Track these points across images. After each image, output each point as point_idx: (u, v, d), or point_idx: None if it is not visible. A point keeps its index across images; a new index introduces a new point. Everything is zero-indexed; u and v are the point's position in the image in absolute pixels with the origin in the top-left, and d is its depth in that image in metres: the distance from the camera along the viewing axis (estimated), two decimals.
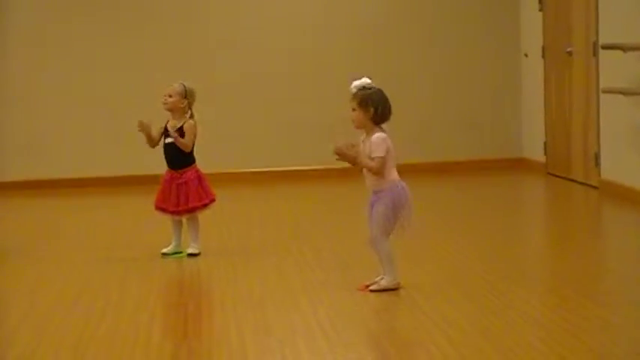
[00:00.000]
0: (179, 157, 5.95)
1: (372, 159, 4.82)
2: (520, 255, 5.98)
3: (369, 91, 4.87)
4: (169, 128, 5.96)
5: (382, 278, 4.92)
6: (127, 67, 9.39)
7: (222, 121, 9.26)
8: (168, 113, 6.01)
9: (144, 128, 5.92)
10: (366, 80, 4.91)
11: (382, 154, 4.81)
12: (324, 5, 9.58)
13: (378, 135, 4.85)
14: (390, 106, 4.88)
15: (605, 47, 7.58)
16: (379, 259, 4.93)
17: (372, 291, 4.88)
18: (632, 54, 7.29)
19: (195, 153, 6.01)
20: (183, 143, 5.91)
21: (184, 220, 6.00)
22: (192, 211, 5.96)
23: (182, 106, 5.95)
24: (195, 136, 5.96)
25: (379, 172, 4.82)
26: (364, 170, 4.89)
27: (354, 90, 4.89)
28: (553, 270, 5.59)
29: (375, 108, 4.84)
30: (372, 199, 4.90)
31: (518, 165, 9.62)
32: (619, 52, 7.38)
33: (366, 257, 5.19)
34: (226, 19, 9.48)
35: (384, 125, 4.89)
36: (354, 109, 4.88)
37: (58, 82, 9.36)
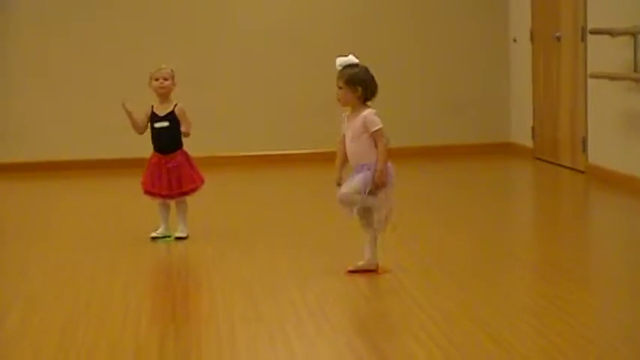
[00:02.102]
0: (170, 142, 5.92)
1: (372, 132, 4.80)
2: (508, 240, 6.00)
3: (356, 69, 4.87)
4: (158, 114, 5.91)
5: (366, 261, 4.92)
6: (110, 48, 9.33)
7: (209, 106, 9.23)
8: (153, 95, 5.94)
9: (127, 107, 5.84)
10: (351, 58, 4.91)
11: (381, 125, 4.82)
12: None
13: (369, 110, 4.86)
14: (376, 83, 4.88)
15: (594, 32, 7.59)
16: (368, 240, 4.90)
17: (370, 270, 4.85)
18: (620, 39, 7.30)
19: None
20: (188, 132, 5.88)
21: (173, 203, 5.99)
22: (185, 194, 5.95)
23: (173, 89, 5.94)
24: None
25: (386, 145, 4.81)
26: (351, 151, 4.87)
27: (340, 67, 4.88)
28: (541, 255, 5.61)
29: (362, 87, 4.84)
30: (355, 172, 4.87)
31: (505, 150, 9.64)
32: (607, 37, 7.39)
33: (355, 242, 5.18)
34: (221, 3, 9.43)
35: (369, 102, 4.89)
36: (340, 87, 4.88)
37: (38, 64, 9.29)
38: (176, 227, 5.97)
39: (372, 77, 4.89)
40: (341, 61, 4.90)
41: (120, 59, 9.31)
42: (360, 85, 4.84)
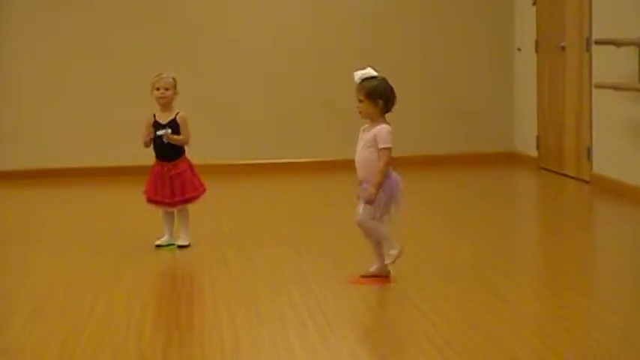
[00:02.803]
0: (173, 150, 5.92)
1: (380, 149, 4.79)
2: (512, 249, 6.00)
3: (375, 82, 4.84)
4: (160, 122, 5.91)
5: (376, 268, 4.93)
6: (114, 55, 9.33)
7: (211, 114, 9.23)
8: (154, 102, 5.94)
9: (150, 135, 5.86)
10: (370, 70, 4.88)
11: (390, 145, 4.80)
12: None
13: (385, 127, 4.84)
14: (395, 95, 4.86)
15: (599, 42, 7.59)
16: (374, 246, 4.92)
17: (379, 279, 4.85)
18: (624, 49, 7.30)
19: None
20: (185, 140, 5.88)
21: (175, 211, 5.98)
22: (187, 201, 5.94)
23: (175, 98, 5.93)
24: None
25: (389, 162, 4.80)
26: (358, 161, 4.88)
27: (359, 81, 4.86)
28: (545, 264, 5.60)
29: (383, 100, 4.82)
30: (362, 189, 4.87)
31: (510, 159, 9.63)
32: (612, 48, 7.39)
33: (359, 249, 5.18)
34: (214, 7, 9.43)
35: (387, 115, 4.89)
36: (360, 101, 4.85)
37: (42, 71, 9.28)
38: (179, 235, 5.97)
39: (392, 88, 4.87)
40: (360, 74, 4.87)
41: (121, 66, 9.30)
42: (380, 99, 4.82)
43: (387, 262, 4.91)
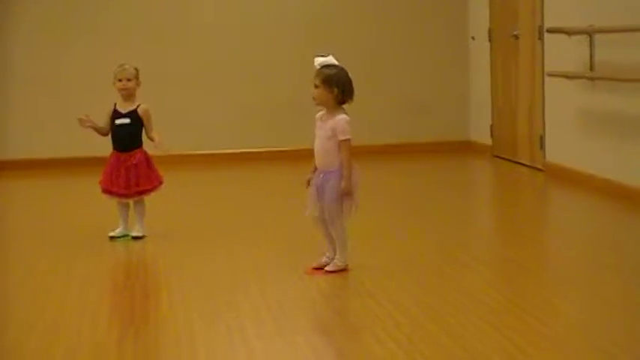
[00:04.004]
0: (130, 139, 5.87)
1: (339, 141, 4.79)
2: (468, 238, 6.02)
3: (334, 70, 4.83)
4: (120, 111, 5.86)
5: (329, 257, 4.92)
6: (74, 46, 9.24)
7: (171, 104, 9.18)
8: (116, 93, 5.90)
9: (88, 122, 5.81)
10: (331, 58, 4.87)
11: (349, 136, 4.80)
12: None
13: (343, 117, 4.83)
14: (352, 87, 4.85)
15: (551, 31, 7.65)
16: (329, 239, 4.92)
17: (328, 272, 4.88)
18: (576, 38, 7.36)
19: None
20: (154, 139, 5.81)
21: (131, 202, 5.93)
22: (142, 193, 5.90)
23: (137, 88, 5.88)
24: None
25: (350, 154, 4.80)
26: (318, 151, 4.86)
27: (318, 67, 4.85)
28: (500, 253, 5.63)
29: (338, 88, 4.81)
30: (318, 179, 4.87)
31: (465, 148, 9.68)
32: (564, 36, 7.45)
33: (315, 240, 5.17)
34: (178, 1, 9.38)
35: (344, 105, 4.87)
36: (316, 86, 4.83)
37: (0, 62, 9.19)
38: (134, 226, 5.92)
39: (350, 81, 4.85)
40: (320, 60, 4.86)
41: (80, 57, 9.21)
42: (336, 86, 4.81)
43: (328, 268, 4.91)
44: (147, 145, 5.95)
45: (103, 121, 5.89)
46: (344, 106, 4.87)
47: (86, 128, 5.85)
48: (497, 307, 4.38)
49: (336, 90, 4.81)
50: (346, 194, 4.82)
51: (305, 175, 4.96)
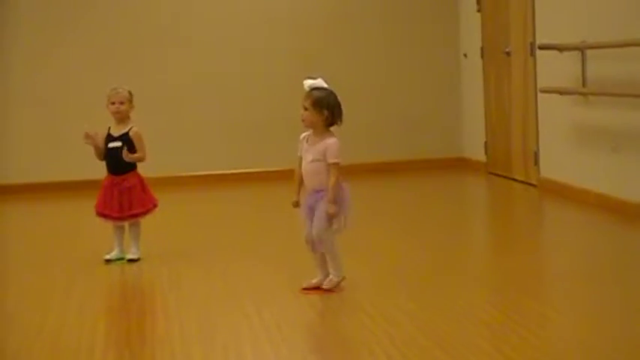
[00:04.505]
0: (123, 164, 5.87)
1: (330, 164, 4.81)
2: (463, 253, 6.04)
3: (324, 93, 4.86)
4: (113, 134, 5.88)
5: (319, 279, 4.94)
6: (70, 68, 9.27)
7: (165, 126, 9.20)
8: (110, 117, 5.92)
9: (91, 140, 5.82)
10: (320, 81, 4.89)
11: (339, 160, 4.83)
12: (270, 9, 9.55)
13: (334, 141, 4.85)
14: (342, 110, 4.87)
15: (542, 47, 7.69)
16: (319, 261, 4.94)
17: (324, 290, 4.89)
18: (567, 54, 7.40)
19: None
20: (141, 157, 5.84)
21: (126, 225, 5.94)
22: (135, 216, 5.91)
23: (131, 111, 5.90)
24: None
25: (338, 178, 4.82)
26: (307, 172, 4.89)
27: (308, 89, 4.87)
28: (496, 268, 5.64)
29: (328, 111, 4.83)
30: (310, 199, 4.89)
31: (459, 164, 9.71)
32: (555, 52, 7.49)
33: (309, 258, 5.18)
34: (170, 22, 9.42)
35: (332, 128, 4.89)
36: (305, 109, 4.86)
37: None
38: (129, 249, 5.93)
39: (339, 103, 4.87)
40: (309, 83, 4.88)
41: (75, 80, 9.24)
42: (326, 109, 4.83)
43: (325, 286, 4.92)
44: (141, 168, 5.96)
45: (101, 143, 5.90)
46: (332, 128, 4.90)
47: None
48: (493, 321, 4.39)
49: (325, 112, 4.84)
50: (331, 216, 4.84)
51: (292, 196, 4.96)
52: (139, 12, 9.37)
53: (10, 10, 9.19)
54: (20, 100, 9.23)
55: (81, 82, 9.18)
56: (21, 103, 9.24)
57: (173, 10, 9.40)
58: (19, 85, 9.22)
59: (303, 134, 4.95)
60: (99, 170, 6.07)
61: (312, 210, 4.88)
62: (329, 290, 4.93)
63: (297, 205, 4.94)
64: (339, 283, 4.94)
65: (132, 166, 5.92)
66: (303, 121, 4.88)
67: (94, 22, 9.30)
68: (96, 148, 5.87)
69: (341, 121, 4.89)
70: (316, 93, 4.85)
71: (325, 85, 4.89)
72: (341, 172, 4.87)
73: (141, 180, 5.94)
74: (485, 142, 9.25)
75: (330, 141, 4.85)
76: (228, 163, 9.49)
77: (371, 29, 9.69)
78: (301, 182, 4.94)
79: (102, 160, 5.93)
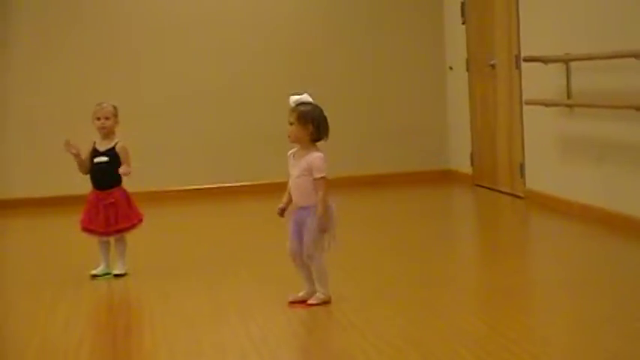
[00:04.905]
0: (108, 178, 5.86)
1: (314, 179, 4.80)
2: (449, 266, 6.03)
3: (309, 107, 4.86)
4: (99, 149, 5.87)
5: (307, 293, 4.92)
6: (50, 85, 9.24)
7: (150, 140, 9.18)
8: (95, 133, 5.91)
9: (73, 148, 5.80)
10: (306, 96, 4.89)
11: (325, 174, 4.82)
12: (252, 24, 9.56)
13: (319, 155, 4.85)
14: (328, 125, 4.87)
15: (527, 60, 7.71)
16: (305, 274, 4.93)
17: (310, 305, 4.88)
18: (552, 66, 7.43)
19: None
20: (128, 171, 5.81)
21: (112, 240, 5.92)
22: (121, 231, 5.89)
23: (116, 126, 5.89)
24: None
25: (325, 192, 4.81)
26: (294, 188, 4.88)
27: (293, 104, 4.87)
28: (482, 280, 5.65)
29: (314, 125, 4.83)
30: (297, 215, 4.88)
31: (445, 177, 9.72)
32: (540, 65, 7.51)
33: (295, 272, 5.17)
34: (153, 36, 9.41)
35: (318, 143, 4.89)
36: (291, 123, 4.85)
37: None
38: (115, 264, 5.91)
39: (325, 118, 4.87)
40: (295, 98, 4.88)
41: (60, 96, 9.22)
42: (312, 124, 4.83)
43: (311, 302, 4.91)
44: (126, 183, 5.94)
45: (85, 155, 5.88)
46: (318, 143, 4.89)
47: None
48: (481, 335, 4.38)
49: (310, 127, 4.84)
50: (322, 231, 4.83)
51: (278, 204, 4.95)
52: (118, 29, 9.35)
53: None
54: (5, 116, 9.19)
55: (66, 98, 9.14)
56: (5, 118, 9.19)
57: (151, 27, 9.38)
58: (4, 101, 9.18)
59: (291, 151, 4.95)
60: (84, 185, 6.05)
61: (298, 226, 4.87)
62: (314, 304, 4.91)
63: (281, 213, 4.92)
64: (325, 302, 4.92)
65: (117, 181, 5.90)
66: (288, 136, 4.88)
67: (79, 39, 9.27)
68: (78, 158, 5.84)
69: (327, 136, 4.89)
70: (301, 107, 4.86)
71: (311, 100, 4.89)
72: (328, 186, 4.86)
73: (126, 195, 5.92)
74: (472, 154, 9.27)
75: (315, 155, 4.85)
76: (213, 178, 9.46)
77: (356, 43, 9.70)
78: (291, 199, 4.94)
79: (85, 173, 5.91)
